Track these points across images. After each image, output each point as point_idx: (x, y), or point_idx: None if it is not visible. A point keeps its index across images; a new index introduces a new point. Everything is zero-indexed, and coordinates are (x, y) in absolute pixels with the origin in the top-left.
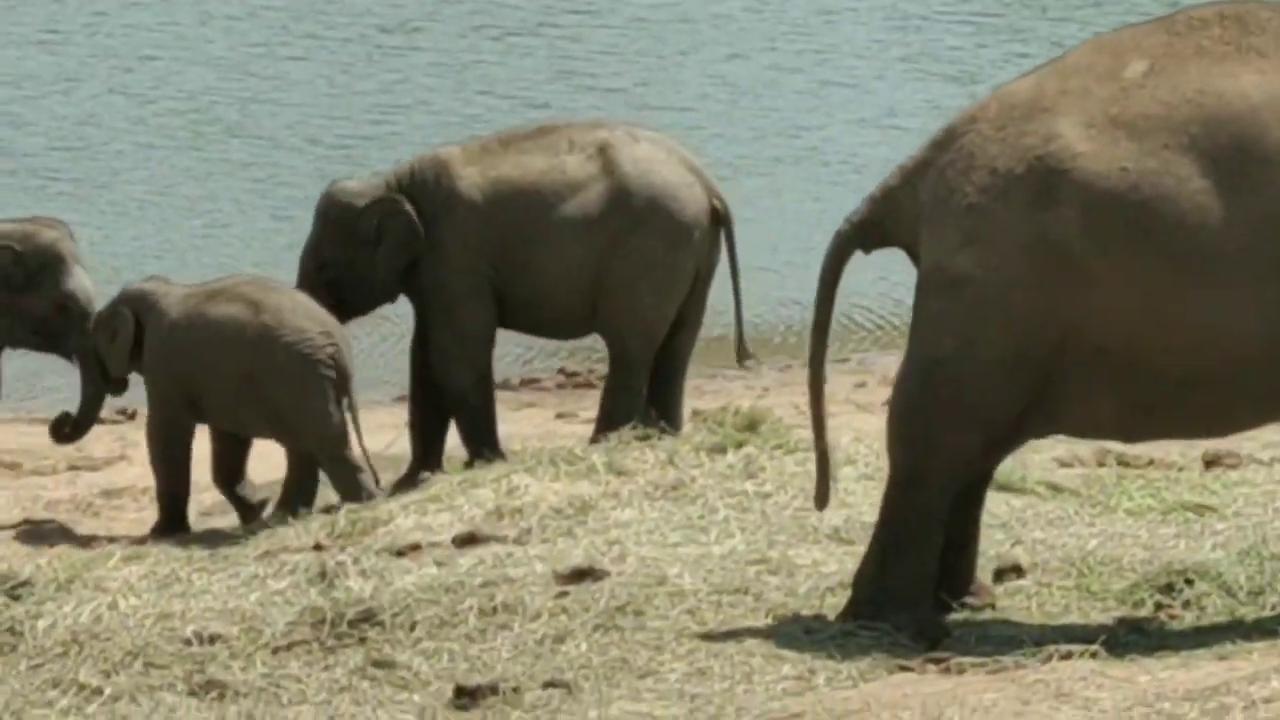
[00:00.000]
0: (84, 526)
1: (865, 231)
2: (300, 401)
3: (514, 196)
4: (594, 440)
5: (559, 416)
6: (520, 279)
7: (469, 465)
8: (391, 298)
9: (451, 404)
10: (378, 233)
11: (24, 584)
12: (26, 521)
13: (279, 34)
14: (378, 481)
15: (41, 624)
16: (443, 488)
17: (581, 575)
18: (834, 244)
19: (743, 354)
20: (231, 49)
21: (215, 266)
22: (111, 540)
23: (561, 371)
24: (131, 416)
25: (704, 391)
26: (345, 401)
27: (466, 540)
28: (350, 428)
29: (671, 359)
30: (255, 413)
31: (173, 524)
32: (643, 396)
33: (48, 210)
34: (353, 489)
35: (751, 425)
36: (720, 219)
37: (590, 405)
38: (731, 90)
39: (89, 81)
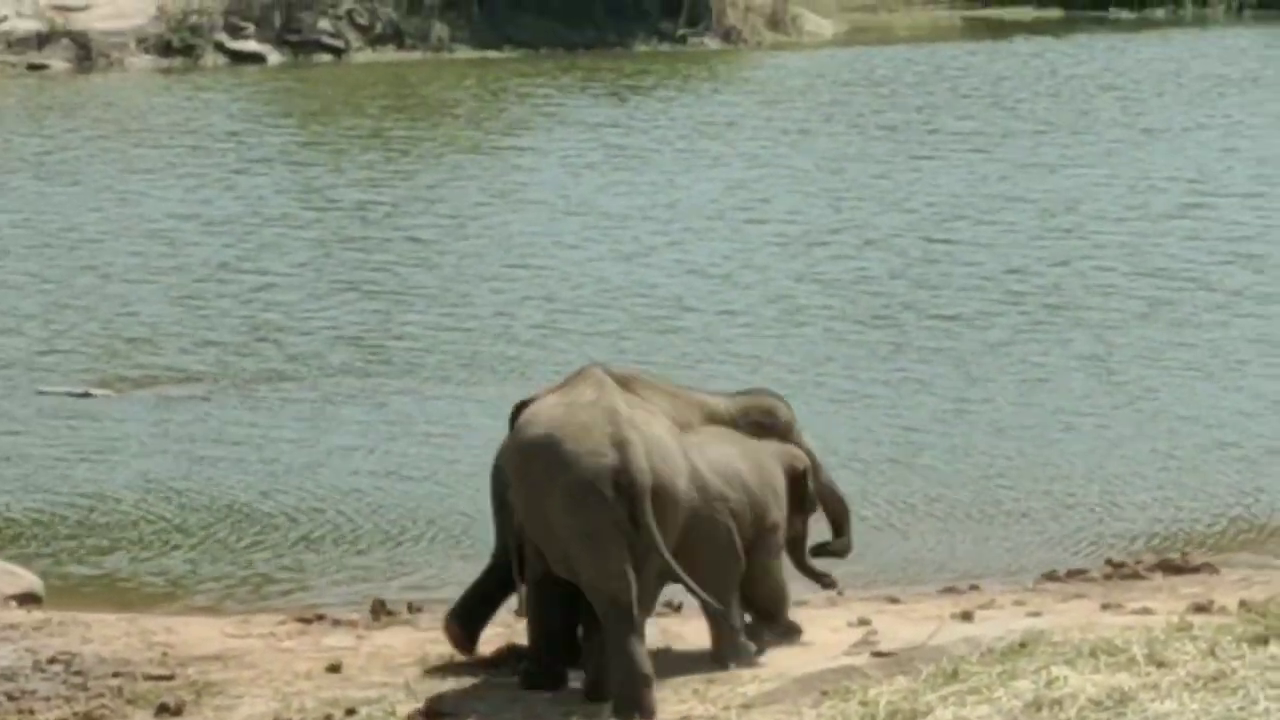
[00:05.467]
0: None
1: None
2: None
3: None
4: None
5: (1104, 608)
6: None
7: None
8: None
9: None
10: None
11: None
12: None
13: None
14: None
15: None
16: (982, 679)
17: None
18: None
19: None
20: None
21: None
22: None
23: (1109, 562)
24: None
25: (1252, 582)
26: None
27: None
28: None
29: None
30: None
31: None
32: None
33: None
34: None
35: None
36: None
37: (1138, 596)
38: None
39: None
